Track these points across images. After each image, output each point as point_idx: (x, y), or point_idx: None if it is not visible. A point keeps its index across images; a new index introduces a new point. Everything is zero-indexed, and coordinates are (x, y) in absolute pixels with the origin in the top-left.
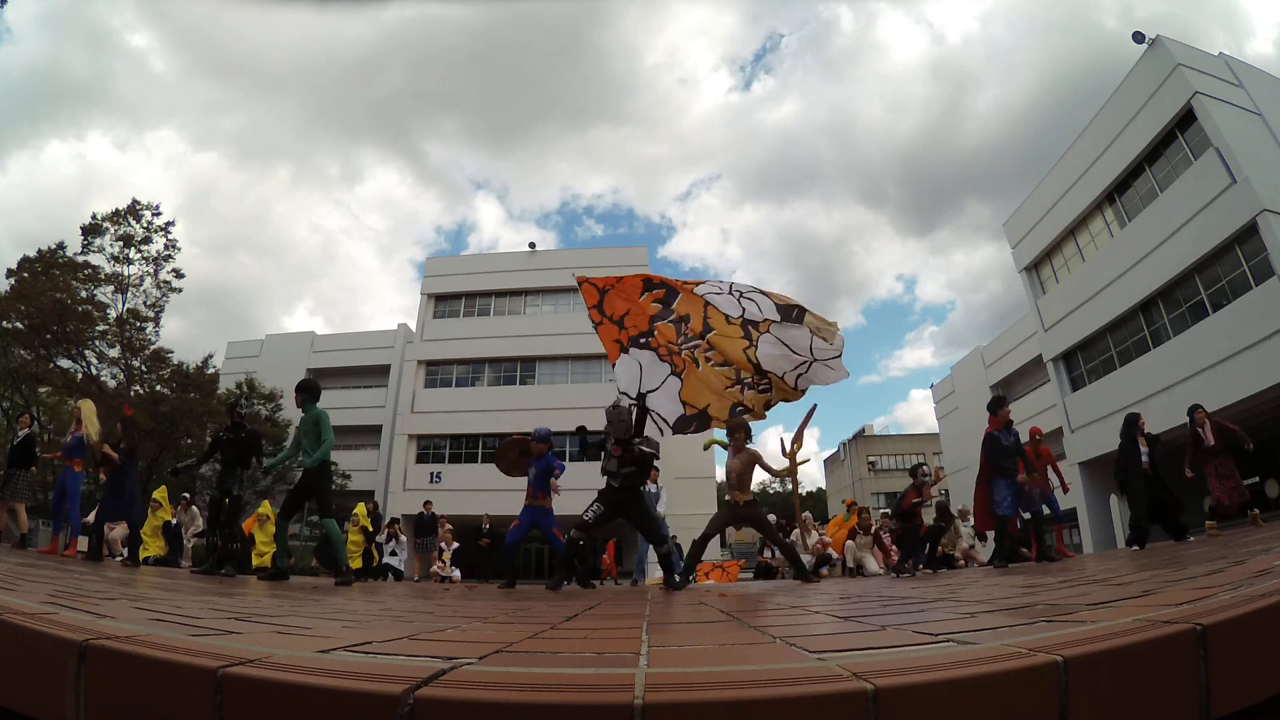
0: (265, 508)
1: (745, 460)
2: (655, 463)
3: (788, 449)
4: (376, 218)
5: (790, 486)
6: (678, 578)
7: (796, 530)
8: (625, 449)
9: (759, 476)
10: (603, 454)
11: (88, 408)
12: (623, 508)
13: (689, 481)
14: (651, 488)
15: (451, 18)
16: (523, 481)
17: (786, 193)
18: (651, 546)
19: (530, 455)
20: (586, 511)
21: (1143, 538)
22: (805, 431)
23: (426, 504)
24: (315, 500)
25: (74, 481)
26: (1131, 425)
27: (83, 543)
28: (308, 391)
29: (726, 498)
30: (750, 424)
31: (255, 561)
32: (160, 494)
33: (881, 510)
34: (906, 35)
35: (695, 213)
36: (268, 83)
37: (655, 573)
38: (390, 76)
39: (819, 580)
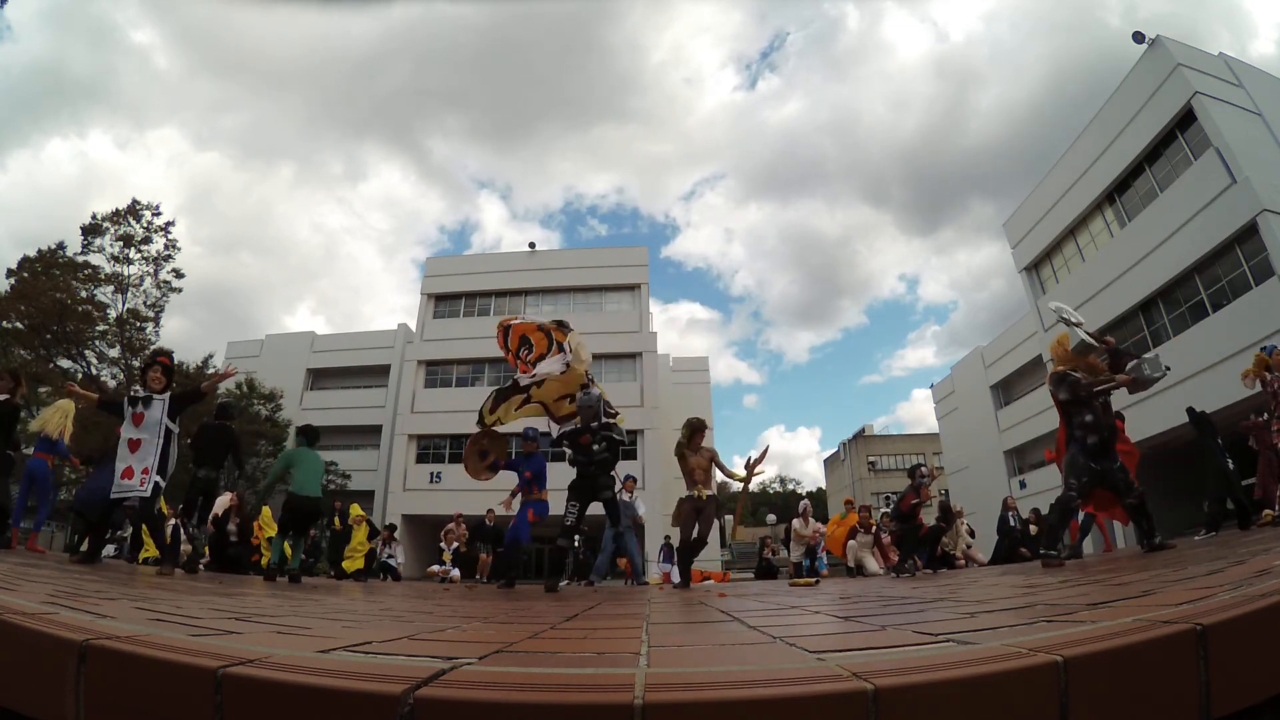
0: (265, 513)
1: (706, 458)
2: (630, 475)
3: (750, 461)
4: (379, 217)
5: (780, 488)
6: (666, 580)
7: (796, 520)
8: (593, 437)
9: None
10: (575, 445)
11: (67, 407)
12: (593, 491)
13: (685, 483)
14: (626, 496)
15: (456, 15)
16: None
17: (790, 192)
18: (614, 529)
19: (496, 455)
20: (566, 516)
21: (1217, 526)
22: (763, 459)
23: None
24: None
25: (44, 474)
26: (1206, 422)
27: (41, 538)
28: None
29: (689, 494)
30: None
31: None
32: None
33: (881, 511)
34: (911, 34)
35: (699, 212)
36: (271, 80)
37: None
38: (394, 74)
39: (816, 583)
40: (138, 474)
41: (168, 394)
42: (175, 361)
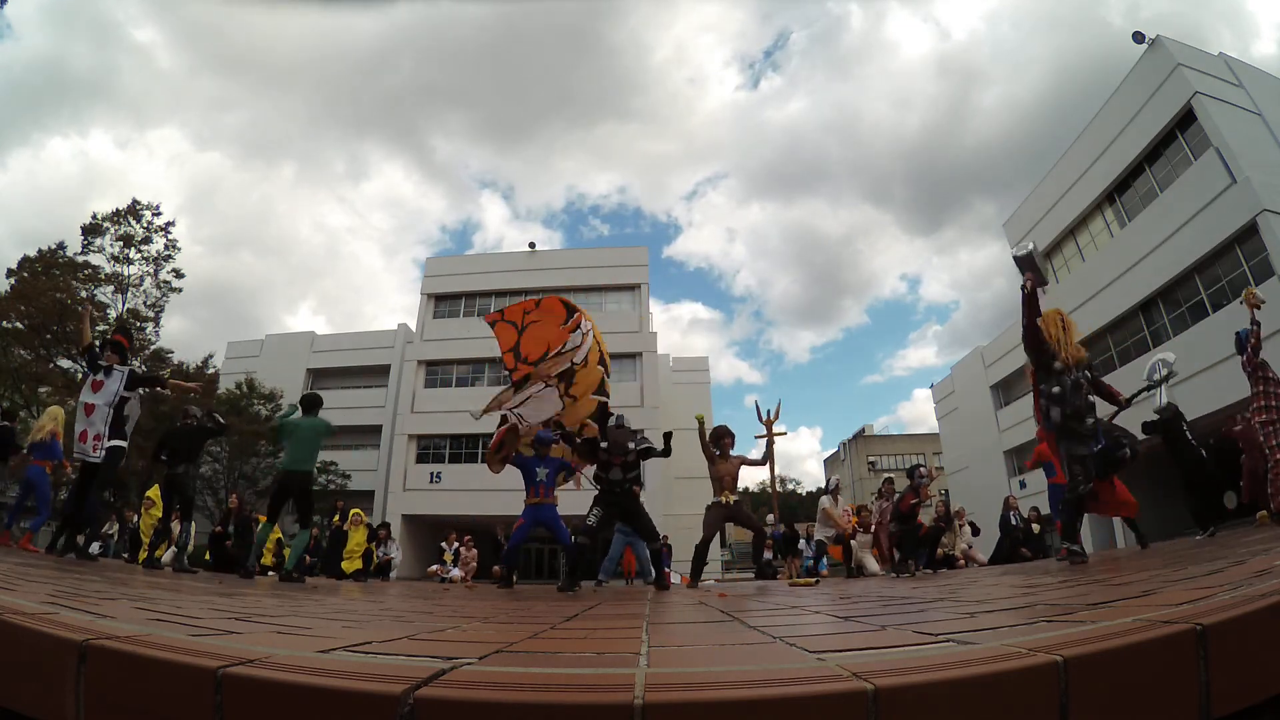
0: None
1: (735, 463)
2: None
3: (765, 419)
4: (381, 216)
5: (772, 477)
6: (668, 581)
7: (825, 499)
8: (625, 458)
9: (755, 476)
10: (599, 462)
11: (56, 413)
12: (620, 509)
13: (688, 481)
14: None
15: (459, 13)
16: (517, 480)
17: (793, 191)
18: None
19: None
20: (589, 516)
21: (1207, 523)
22: (778, 415)
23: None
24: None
25: (43, 480)
26: (1172, 419)
27: (40, 539)
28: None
29: (717, 499)
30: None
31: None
32: (153, 493)
33: (877, 488)
34: (913, 32)
35: (702, 211)
36: (273, 79)
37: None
38: (398, 71)
39: (816, 582)
40: (90, 439)
41: (127, 369)
42: (130, 332)
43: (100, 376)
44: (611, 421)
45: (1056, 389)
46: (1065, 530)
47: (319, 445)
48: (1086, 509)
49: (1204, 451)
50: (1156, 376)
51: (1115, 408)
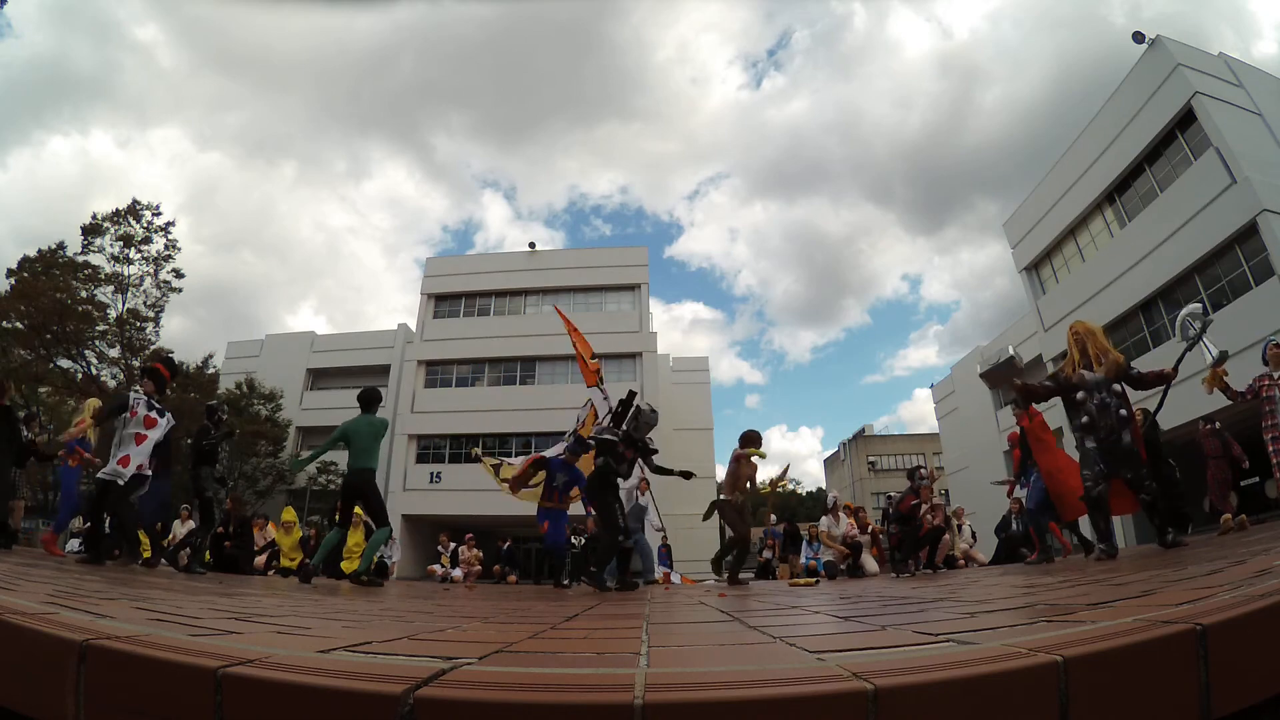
0: (290, 514)
1: (750, 468)
2: (646, 474)
3: (775, 480)
4: (383, 216)
5: (777, 488)
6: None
7: (825, 519)
8: (636, 449)
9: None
10: (614, 459)
11: (94, 405)
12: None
13: (687, 481)
14: (640, 499)
15: (461, 11)
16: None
17: (795, 191)
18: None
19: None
20: (620, 519)
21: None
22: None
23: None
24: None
25: (69, 478)
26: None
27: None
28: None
29: (724, 497)
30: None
31: (284, 563)
32: None
33: (884, 497)
34: (915, 32)
35: (704, 211)
36: (274, 77)
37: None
38: (399, 69)
39: (816, 583)
40: (131, 465)
41: (169, 420)
42: (175, 362)
43: (154, 414)
44: (645, 407)
45: (1085, 419)
46: (1095, 529)
47: (378, 443)
48: (1108, 510)
49: (1173, 464)
50: (1191, 333)
51: (1166, 385)
